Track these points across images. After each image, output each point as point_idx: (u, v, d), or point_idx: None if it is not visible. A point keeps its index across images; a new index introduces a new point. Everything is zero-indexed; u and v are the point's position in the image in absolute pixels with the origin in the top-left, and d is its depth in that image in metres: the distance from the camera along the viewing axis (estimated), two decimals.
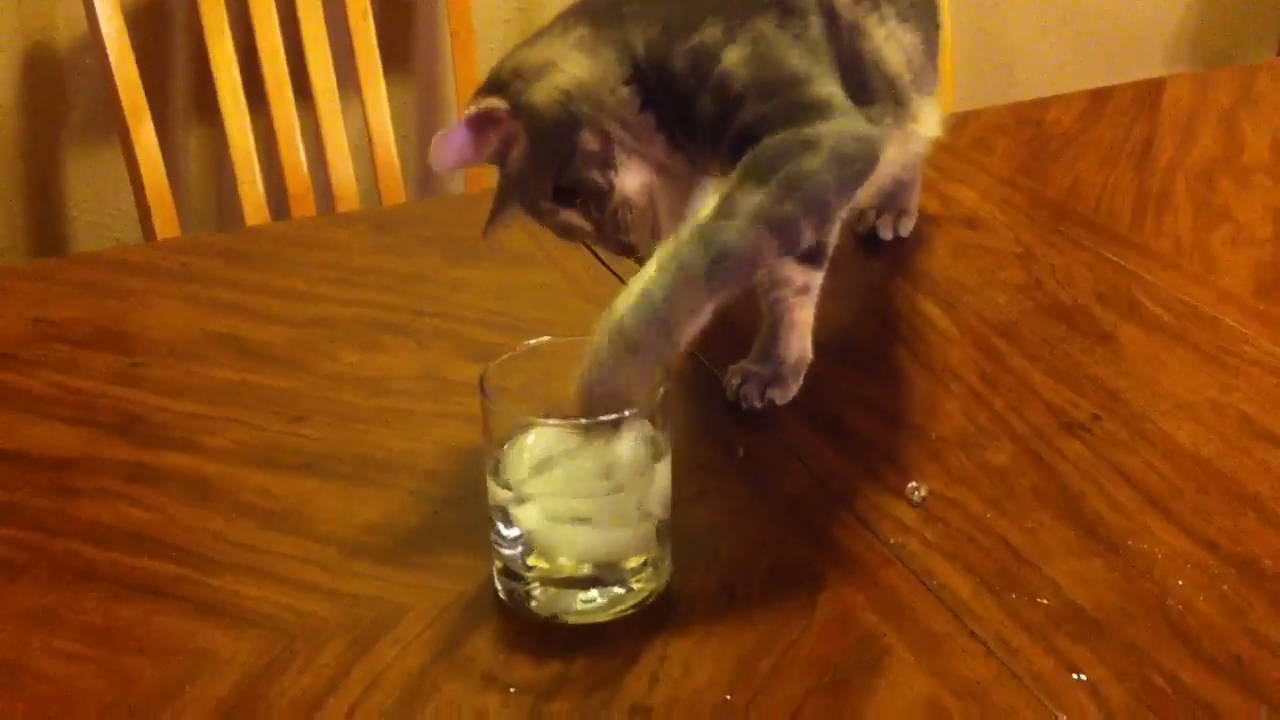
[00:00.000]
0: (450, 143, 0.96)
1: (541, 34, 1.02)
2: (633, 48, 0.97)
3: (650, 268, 0.89)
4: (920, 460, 1.02)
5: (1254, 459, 1.01)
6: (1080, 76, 2.61)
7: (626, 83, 0.97)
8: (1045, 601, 0.88)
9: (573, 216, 0.99)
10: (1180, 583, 0.89)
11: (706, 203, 0.92)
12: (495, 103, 0.97)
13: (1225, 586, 0.89)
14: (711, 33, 0.97)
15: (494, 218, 1.03)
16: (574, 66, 0.97)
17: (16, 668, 0.85)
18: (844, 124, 0.94)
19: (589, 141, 0.97)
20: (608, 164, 0.97)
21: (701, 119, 0.97)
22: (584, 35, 0.99)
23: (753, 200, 0.90)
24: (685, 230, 0.90)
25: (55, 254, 2.06)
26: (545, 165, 0.97)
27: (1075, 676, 0.82)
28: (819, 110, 0.94)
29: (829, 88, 0.97)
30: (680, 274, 0.88)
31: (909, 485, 0.98)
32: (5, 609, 0.89)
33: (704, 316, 0.89)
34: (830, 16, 1.02)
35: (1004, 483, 0.99)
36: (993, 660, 0.83)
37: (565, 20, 1.01)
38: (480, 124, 0.97)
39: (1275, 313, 1.20)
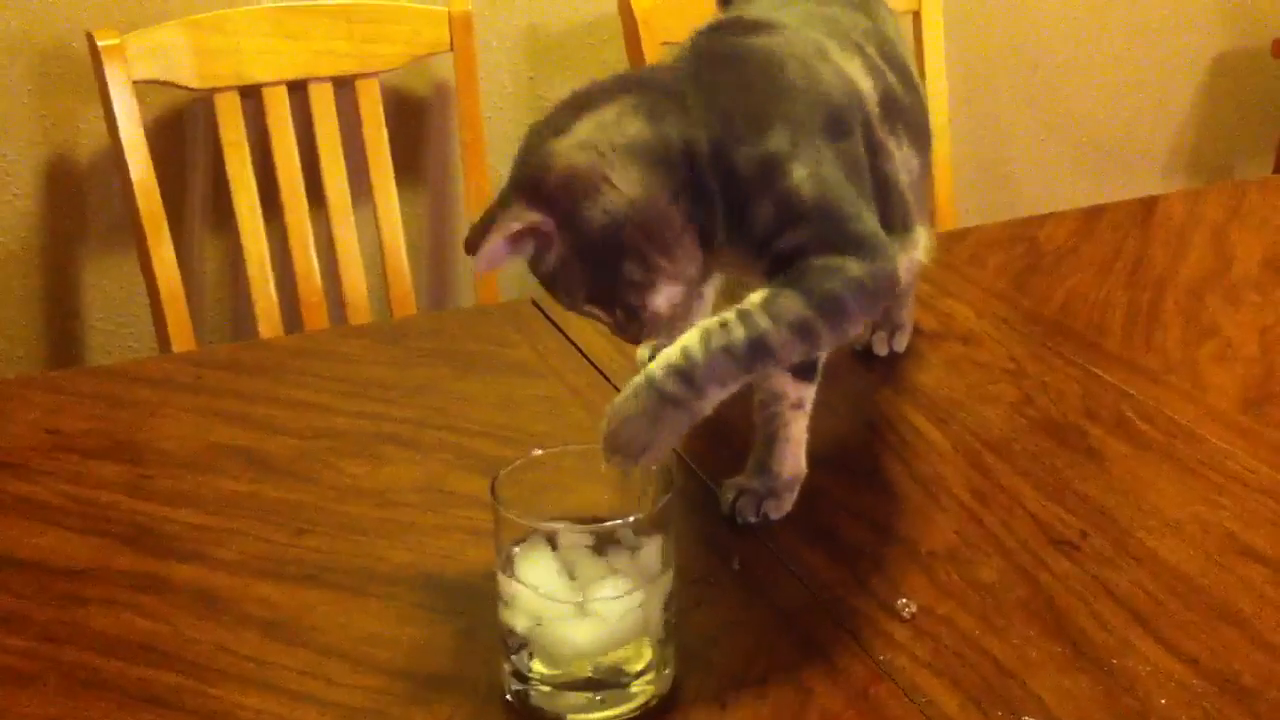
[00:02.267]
0: (490, 254, 0.98)
1: (586, 110, 0.99)
2: (694, 145, 0.99)
3: (692, 336, 0.96)
4: (911, 574, 1.04)
5: (1236, 575, 1.03)
6: (1079, 192, 2.66)
7: (674, 198, 0.99)
8: (1030, 719, 0.89)
9: (597, 312, 1.03)
10: (1163, 700, 0.91)
11: (753, 293, 0.98)
12: (536, 219, 0.97)
13: (1206, 704, 0.90)
14: (778, 142, 0.99)
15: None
16: (627, 184, 0.97)
17: None
18: (877, 264, 1.01)
19: (633, 272, 0.99)
20: (645, 288, 1.00)
21: (755, 223, 1.00)
22: (641, 135, 0.98)
23: (794, 308, 0.97)
24: (731, 311, 0.97)
25: (71, 361, 2.10)
26: (583, 279, 1.00)
27: None
28: (862, 246, 1.00)
29: (873, 224, 1.03)
30: (721, 345, 0.96)
31: (899, 601, 1.00)
32: (13, 718, 0.91)
33: (730, 389, 0.97)
34: (867, 129, 1.06)
35: (992, 598, 1.01)
36: None
37: (619, 103, 1.00)
38: (521, 236, 0.98)
39: (1259, 429, 1.22)
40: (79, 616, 1.01)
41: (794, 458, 1.12)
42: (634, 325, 1.03)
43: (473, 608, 0.99)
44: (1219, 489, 1.13)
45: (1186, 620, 0.98)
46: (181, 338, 1.86)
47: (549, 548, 0.91)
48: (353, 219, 1.98)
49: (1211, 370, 1.33)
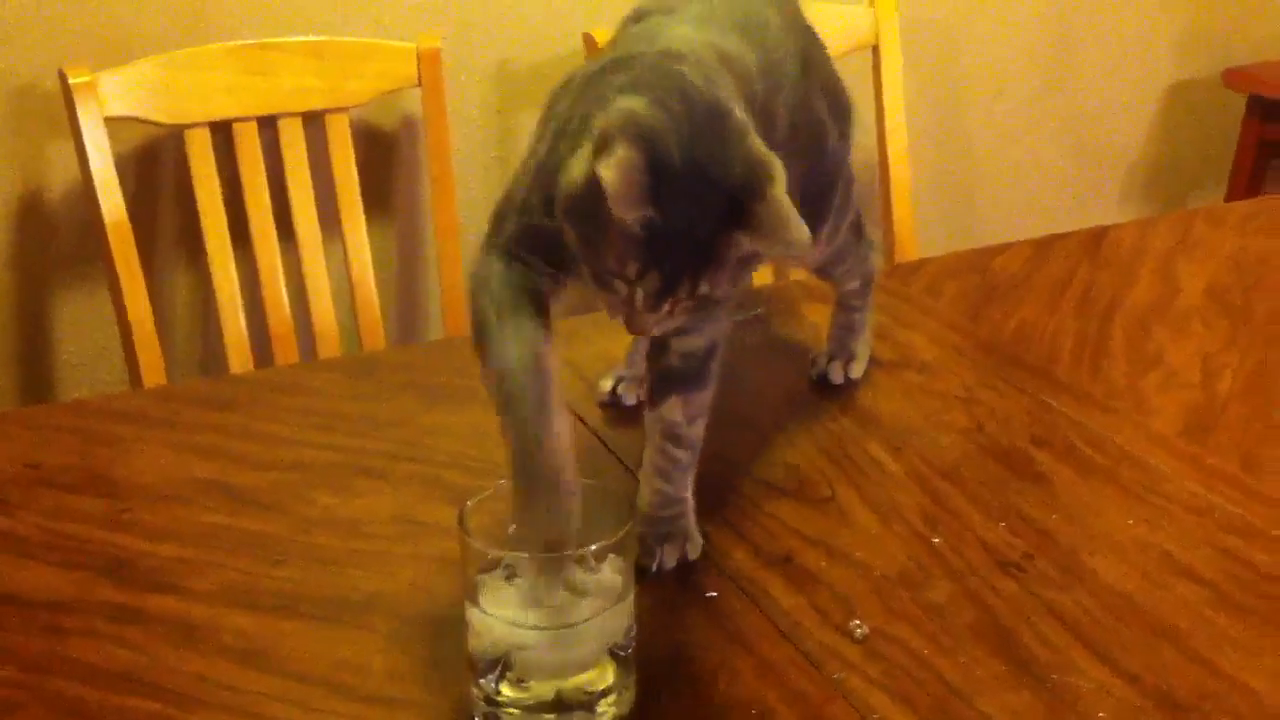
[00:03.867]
0: None
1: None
2: None
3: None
4: (864, 597, 1.08)
5: (1174, 594, 1.07)
6: (1037, 218, 2.71)
7: None
8: None
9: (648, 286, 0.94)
10: (1102, 714, 0.95)
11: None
12: None
13: (1145, 718, 0.95)
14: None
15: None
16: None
17: None
18: None
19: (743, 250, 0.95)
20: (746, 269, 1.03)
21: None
22: None
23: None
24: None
25: (43, 394, 2.12)
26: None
27: None
28: None
29: None
30: None
31: (851, 623, 1.04)
32: None
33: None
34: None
35: (942, 620, 1.05)
36: None
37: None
38: None
39: (1200, 454, 1.27)
40: (60, 648, 1.03)
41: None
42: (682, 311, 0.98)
43: (442, 634, 1.02)
44: (1160, 512, 1.18)
45: (1126, 638, 1.03)
46: (153, 371, 1.89)
47: (515, 575, 0.94)
48: (322, 252, 2.02)
49: (1155, 397, 1.38)
